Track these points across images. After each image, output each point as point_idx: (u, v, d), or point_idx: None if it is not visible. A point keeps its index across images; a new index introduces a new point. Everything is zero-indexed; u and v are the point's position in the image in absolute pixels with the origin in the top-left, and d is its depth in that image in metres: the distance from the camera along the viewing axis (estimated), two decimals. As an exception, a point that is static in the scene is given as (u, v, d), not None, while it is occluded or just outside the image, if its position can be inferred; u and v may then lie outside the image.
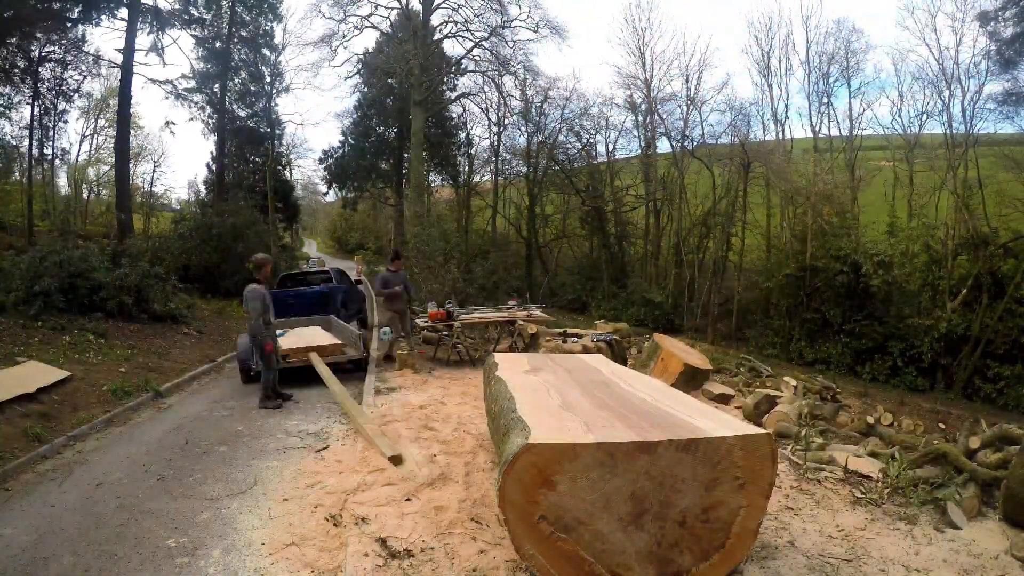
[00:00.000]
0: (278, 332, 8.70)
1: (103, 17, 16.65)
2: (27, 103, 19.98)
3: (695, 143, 21.60)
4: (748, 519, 2.64)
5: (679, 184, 20.86)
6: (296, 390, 7.24)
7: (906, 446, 4.90)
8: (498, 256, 22.51)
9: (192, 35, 21.09)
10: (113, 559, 3.19)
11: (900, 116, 19.94)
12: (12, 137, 21.10)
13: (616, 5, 64.17)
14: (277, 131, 28.33)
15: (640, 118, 23.24)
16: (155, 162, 30.97)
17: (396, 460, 4.40)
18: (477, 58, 23.55)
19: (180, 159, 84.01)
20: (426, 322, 9.27)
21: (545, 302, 16.34)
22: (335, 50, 23.07)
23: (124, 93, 17.17)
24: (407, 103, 23.44)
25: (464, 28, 22.69)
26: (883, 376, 14.02)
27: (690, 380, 6.75)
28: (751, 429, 2.78)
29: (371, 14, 22.50)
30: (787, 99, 29.97)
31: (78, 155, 27.75)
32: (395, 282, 8.51)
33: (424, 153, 24.78)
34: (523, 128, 25.00)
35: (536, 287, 22.16)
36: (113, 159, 22.01)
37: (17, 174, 23.53)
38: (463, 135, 28.30)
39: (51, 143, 22.67)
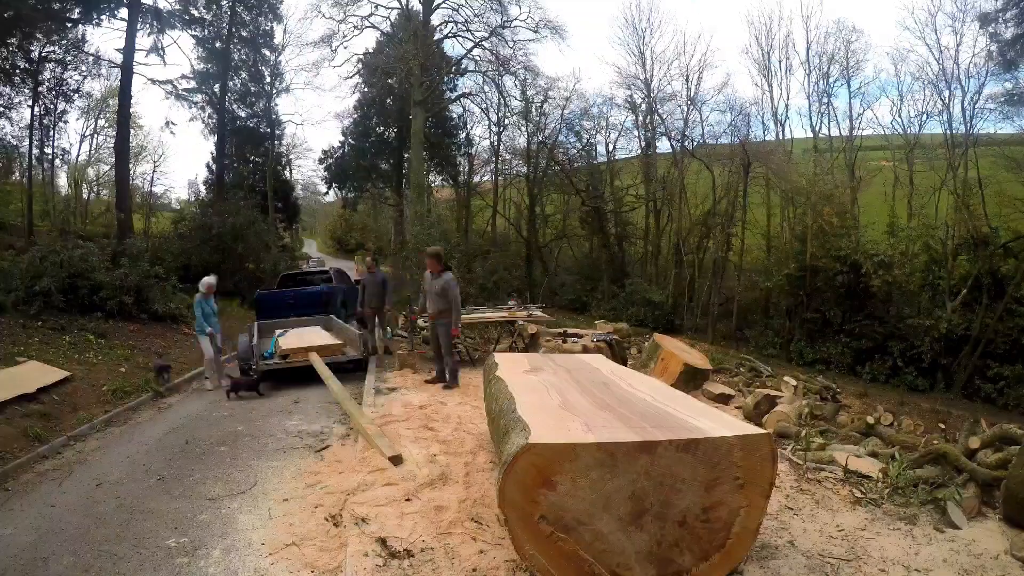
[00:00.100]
0: (278, 332, 8.74)
1: (103, 17, 16.69)
2: (27, 103, 20.05)
3: (695, 143, 21.64)
4: (748, 519, 2.64)
5: (679, 184, 20.86)
6: (296, 390, 7.25)
7: (906, 446, 4.90)
8: (498, 256, 22.48)
9: (192, 35, 21.16)
10: (113, 559, 3.19)
11: (900, 116, 19.94)
12: (12, 137, 21.13)
13: (616, 5, 64.24)
14: (277, 131, 28.40)
15: (640, 118, 23.28)
16: (155, 162, 30.94)
17: (396, 460, 4.40)
18: (477, 58, 23.58)
19: (180, 159, 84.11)
20: (426, 322, 9.27)
21: (545, 302, 16.34)
22: (335, 50, 23.08)
23: (124, 93, 17.19)
24: (407, 103, 23.43)
25: (464, 28, 22.71)
26: (883, 376, 14.02)
27: (690, 380, 6.75)
28: (751, 429, 2.78)
29: (371, 14, 22.50)
30: (787, 99, 29.94)
31: (78, 155, 27.78)
32: (369, 283, 9.19)
33: (424, 153, 24.76)
34: (523, 128, 25.01)
35: (536, 287, 22.14)
36: (113, 159, 22.01)
37: (17, 174, 23.56)
38: (463, 135, 28.29)
39: (51, 143, 22.76)
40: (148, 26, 17.79)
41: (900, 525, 3.44)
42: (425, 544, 3.13)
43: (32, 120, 20.52)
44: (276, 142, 28.58)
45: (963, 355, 13.55)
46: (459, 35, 23.03)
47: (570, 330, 9.38)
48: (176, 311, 11.58)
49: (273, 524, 3.53)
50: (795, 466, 4.39)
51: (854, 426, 5.81)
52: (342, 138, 29.45)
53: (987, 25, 16.02)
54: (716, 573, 2.65)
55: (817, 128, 20.72)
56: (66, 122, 25.56)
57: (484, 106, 25.88)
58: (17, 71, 18.35)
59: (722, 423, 2.81)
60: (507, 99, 24.90)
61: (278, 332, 8.74)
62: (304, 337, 8.31)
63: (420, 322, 9.53)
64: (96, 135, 27.27)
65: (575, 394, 3.50)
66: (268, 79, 26.20)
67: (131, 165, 24.07)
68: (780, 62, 21.53)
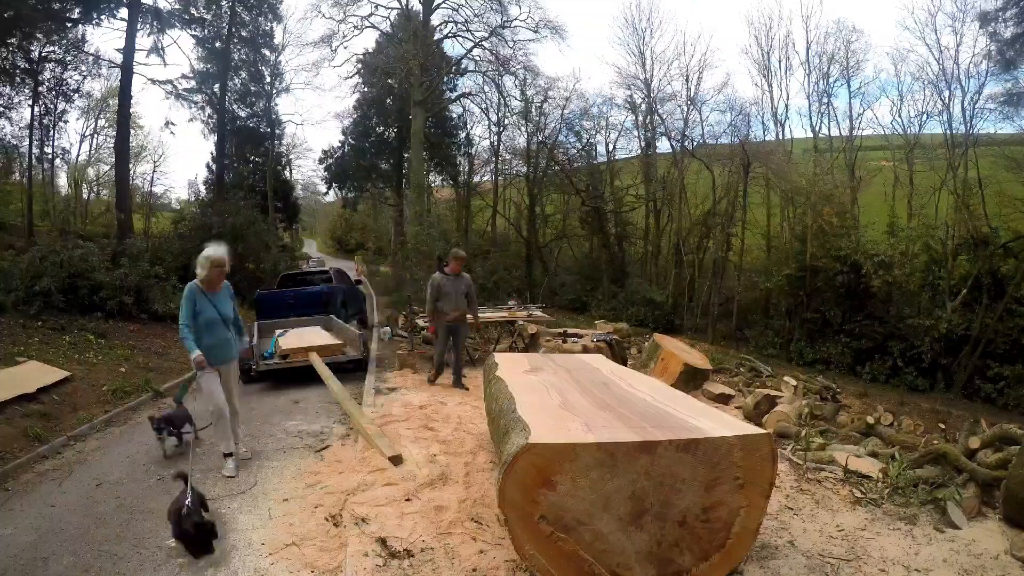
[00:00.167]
0: (278, 332, 8.74)
1: (103, 17, 16.69)
2: (27, 103, 20.08)
3: (695, 143, 21.64)
4: (748, 519, 2.64)
5: (679, 184, 20.87)
6: (296, 390, 7.25)
7: (906, 446, 4.90)
8: (498, 256, 22.51)
9: (192, 35, 21.17)
10: (113, 559, 3.19)
11: (900, 116, 19.94)
12: (12, 137, 21.16)
13: (616, 5, 64.26)
14: (277, 131, 28.42)
15: (640, 118, 23.29)
16: (155, 162, 31.00)
17: (396, 460, 4.40)
18: (477, 58, 23.59)
19: (180, 159, 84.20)
20: (426, 322, 9.27)
21: (545, 302, 16.34)
22: (335, 50, 23.09)
23: (124, 93, 17.18)
24: (407, 103, 23.42)
25: (464, 28, 22.71)
26: (883, 376, 14.02)
27: (690, 380, 6.76)
28: (751, 429, 2.78)
29: (371, 14, 22.50)
30: (787, 99, 30.05)
31: (78, 155, 27.81)
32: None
33: (424, 153, 24.77)
34: (523, 128, 25.03)
35: (536, 287, 22.14)
36: (113, 159, 22.03)
37: (17, 174, 23.55)
38: (463, 135, 28.31)
39: (51, 143, 22.80)
40: (148, 26, 17.81)
41: (900, 525, 3.44)
42: (425, 544, 3.13)
43: (32, 120, 20.57)
44: (276, 142, 28.63)
45: (963, 355, 13.55)
46: (459, 35, 23.05)
47: (570, 330, 9.39)
48: (176, 311, 11.56)
49: (273, 524, 3.53)
50: (795, 466, 4.39)
51: (854, 426, 5.81)
52: (342, 138, 29.51)
53: (987, 24, 16.04)
54: (716, 573, 2.65)
55: (817, 128, 20.76)
56: (66, 122, 25.66)
57: (484, 106, 25.94)
58: (17, 71, 18.37)
59: (722, 423, 2.81)
60: (507, 99, 24.95)
61: (278, 332, 8.74)
62: (304, 337, 8.31)
63: (420, 322, 9.53)
64: (96, 135, 27.33)
65: (575, 394, 3.50)
66: (268, 79, 26.25)
67: (131, 165, 24.12)
68: (780, 62, 21.59)
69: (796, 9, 51.45)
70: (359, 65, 25.11)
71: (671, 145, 21.93)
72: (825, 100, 20.61)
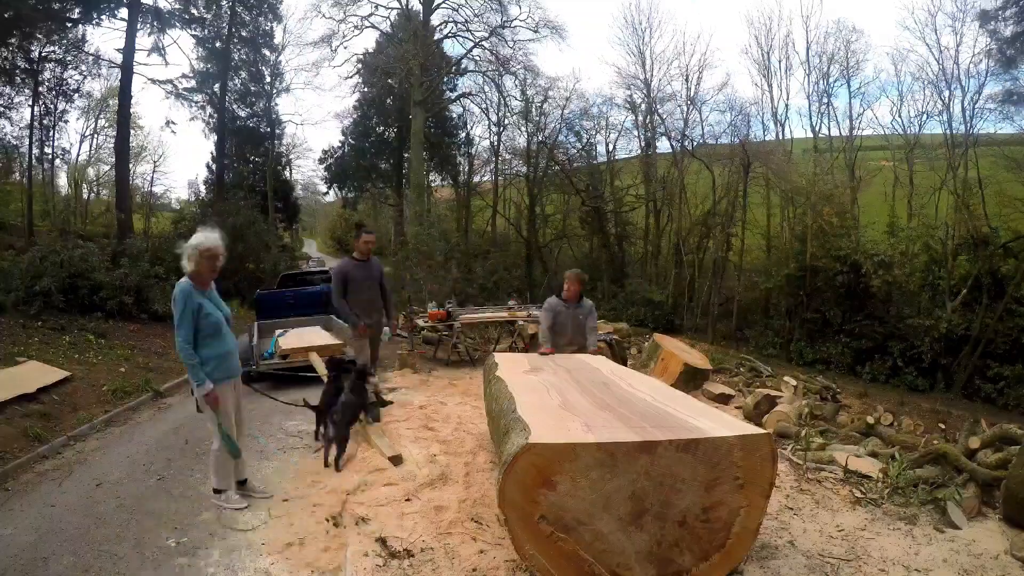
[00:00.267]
0: (278, 332, 8.74)
1: (103, 17, 16.69)
2: (27, 103, 20.06)
3: (695, 143, 21.61)
4: (748, 519, 2.64)
5: (679, 184, 20.84)
6: (296, 390, 7.24)
7: (906, 446, 4.90)
8: (498, 256, 22.50)
9: (192, 35, 21.15)
10: (113, 559, 3.18)
11: (900, 116, 19.91)
12: (12, 137, 21.14)
13: (616, 5, 64.15)
14: (277, 131, 28.38)
15: (640, 118, 23.25)
16: (155, 162, 30.92)
17: (396, 460, 4.40)
18: (477, 58, 23.58)
19: (180, 159, 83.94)
20: (426, 322, 9.27)
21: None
22: (335, 50, 23.10)
23: (124, 93, 17.18)
24: (407, 103, 23.44)
25: (464, 28, 22.72)
26: (883, 376, 14.01)
27: (690, 380, 6.76)
28: (751, 429, 2.78)
29: (371, 14, 22.51)
30: (787, 99, 29.93)
31: (78, 155, 27.76)
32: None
33: (424, 153, 24.78)
34: (523, 128, 24.98)
35: (536, 287, 22.13)
36: (113, 159, 22.02)
37: (17, 174, 23.53)
38: (463, 135, 28.29)
39: (51, 143, 22.75)
40: (148, 26, 17.82)
41: (900, 525, 3.44)
42: (425, 544, 3.14)
43: (32, 120, 20.54)
44: (276, 142, 28.59)
45: (963, 355, 13.54)
46: (459, 35, 23.07)
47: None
48: (174, 312, 11.57)
49: (273, 524, 3.52)
50: (795, 466, 4.39)
51: (854, 426, 5.81)
52: (342, 138, 29.48)
53: (987, 23, 16.03)
54: (716, 573, 2.65)
55: (817, 128, 20.72)
56: (66, 122, 25.59)
57: (484, 106, 25.89)
58: (17, 71, 18.35)
59: (722, 423, 2.81)
60: (507, 99, 24.92)
61: (278, 332, 8.74)
62: (304, 337, 8.30)
63: (420, 322, 9.52)
64: (96, 135, 27.30)
65: (575, 394, 3.50)
66: (268, 79, 26.21)
67: (131, 165, 24.08)
68: (780, 62, 21.53)
69: (796, 9, 51.37)
70: (359, 65, 25.13)
71: (671, 145, 21.93)
72: (825, 100, 20.60)
